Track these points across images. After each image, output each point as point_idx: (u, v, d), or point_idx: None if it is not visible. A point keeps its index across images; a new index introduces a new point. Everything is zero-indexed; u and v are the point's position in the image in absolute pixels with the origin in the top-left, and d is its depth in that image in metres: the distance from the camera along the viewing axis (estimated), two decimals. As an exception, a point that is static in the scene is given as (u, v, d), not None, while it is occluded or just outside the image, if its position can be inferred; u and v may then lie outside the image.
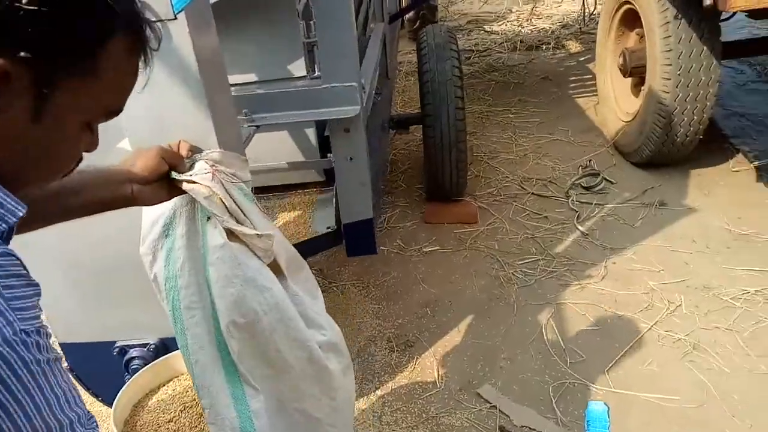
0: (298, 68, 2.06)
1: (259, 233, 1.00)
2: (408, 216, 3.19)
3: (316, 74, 1.99)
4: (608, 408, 1.81)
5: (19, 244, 1.43)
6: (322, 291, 2.68)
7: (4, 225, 0.59)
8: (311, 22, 1.96)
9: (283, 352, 1.05)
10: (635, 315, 2.30)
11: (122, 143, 1.21)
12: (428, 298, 2.55)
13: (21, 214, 0.60)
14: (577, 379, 2.05)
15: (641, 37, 3.11)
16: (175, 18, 1.00)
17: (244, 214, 1.00)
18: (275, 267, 1.09)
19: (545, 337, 2.25)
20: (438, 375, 2.15)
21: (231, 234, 0.99)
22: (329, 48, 1.72)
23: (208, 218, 0.98)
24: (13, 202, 0.60)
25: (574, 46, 5.49)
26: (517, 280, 2.58)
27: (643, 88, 3.14)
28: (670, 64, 2.78)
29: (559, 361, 2.13)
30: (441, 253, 2.85)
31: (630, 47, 3.23)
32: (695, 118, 2.87)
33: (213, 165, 1.02)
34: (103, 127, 1.24)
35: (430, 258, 2.83)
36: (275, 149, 2.23)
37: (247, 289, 0.98)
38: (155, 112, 1.11)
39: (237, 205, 0.99)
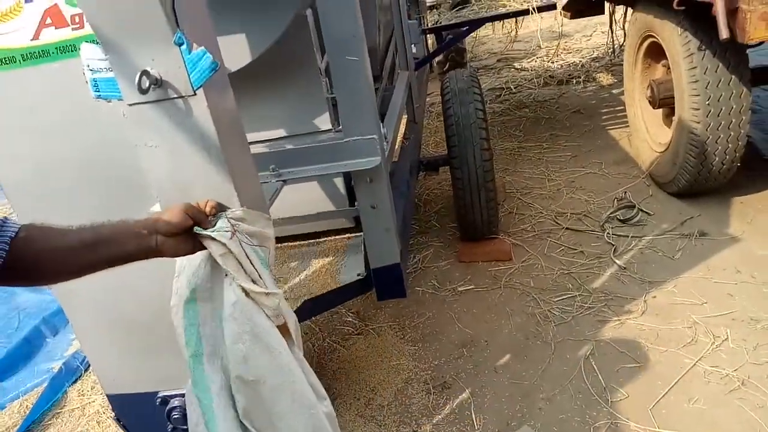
0: (323, 122, 2.17)
1: (267, 291, 1.05)
2: (442, 255, 3.21)
3: (340, 127, 2.09)
4: (652, 450, 1.75)
5: (65, 293, 1.58)
6: (358, 334, 2.74)
7: None
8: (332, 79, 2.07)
9: (288, 417, 1.07)
10: (678, 350, 2.22)
11: (154, 207, 1.31)
12: (464, 338, 2.55)
13: None
14: (619, 419, 1.99)
15: (668, 68, 3.10)
16: (194, 94, 1.10)
17: (259, 275, 1.06)
18: (285, 332, 1.13)
19: (584, 376, 2.20)
20: (475, 417, 2.13)
21: (248, 294, 1.05)
22: (348, 103, 1.82)
23: (226, 275, 1.05)
24: None
25: (605, 78, 5.48)
26: (554, 318, 2.55)
27: (673, 118, 3.10)
28: (698, 95, 2.75)
29: (599, 401, 2.08)
30: (476, 292, 2.85)
31: (657, 79, 3.22)
32: (730, 146, 2.81)
33: (235, 224, 1.09)
34: (135, 191, 1.35)
35: (465, 297, 2.83)
36: (305, 199, 2.32)
37: (255, 347, 1.03)
38: (181, 179, 1.20)
39: (253, 266, 1.06)
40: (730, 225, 2.92)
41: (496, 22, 5.30)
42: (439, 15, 4.42)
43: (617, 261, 2.83)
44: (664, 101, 3.16)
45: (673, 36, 2.86)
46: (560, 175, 3.81)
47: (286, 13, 1.92)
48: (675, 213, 3.11)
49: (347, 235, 2.40)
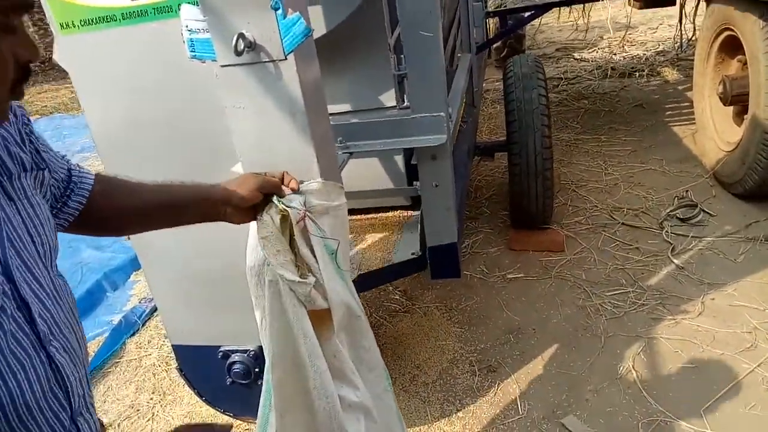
0: (389, 99, 2.18)
1: (298, 280, 1.05)
2: (492, 242, 3.20)
3: (404, 104, 2.09)
4: (703, 450, 1.72)
5: (142, 245, 1.66)
6: (405, 312, 2.76)
7: None
8: (401, 56, 2.07)
9: (308, 397, 1.09)
10: (736, 355, 2.16)
11: (236, 167, 1.36)
12: (512, 325, 2.54)
13: None
14: (669, 417, 1.96)
15: (743, 64, 2.98)
16: (285, 58, 1.13)
17: (316, 261, 1.08)
18: (320, 318, 1.13)
19: (634, 371, 2.18)
20: (520, 402, 2.13)
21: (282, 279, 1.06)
22: (418, 80, 1.82)
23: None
24: None
25: (670, 74, 5.29)
26: (605, 312, 2.51)
27: (745, 116, 2.98)
28: (776, 91, 2.64)
29: (648, 398, 2.05)
30: (525, 281, 2.83)
31: (731, 75, 3.09)
32: (806, 146, 2.69)
33: (309, 206, 1.12)
34: (219, 152, 1.40)
35: (514, 285, 2.82)
36: (365, 175, 2.34)
37: (286, 328, 1.06)
38: (265, 141, 1.24)
39: (314, 256, 1.08)
40: (799, 231, 2.80)
41: (560, 10, 5.17)
42: (503, -1, 4.34)
43: (675, 260, 2.76)
44: (736, 98, 3.04)
45: (754, 29, 2.74)
46: (618, 170, 3.73)
47: (362, -13, 1.94)
48: (739, 215, 3.01)
49: (403, 212, 2.42)
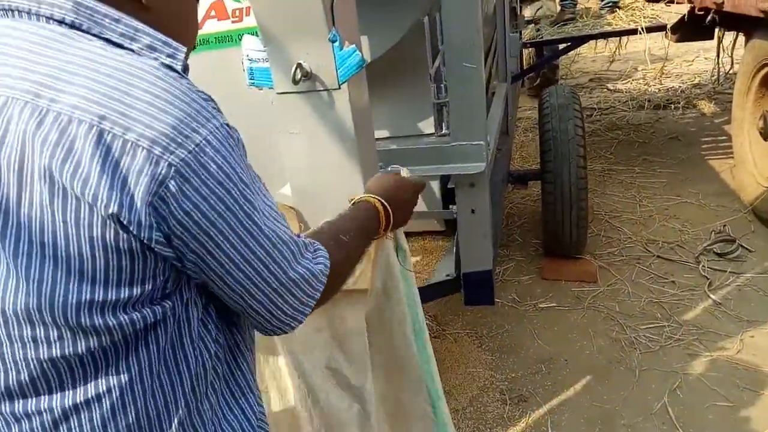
0: (427, 126, 2.23)
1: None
2: (523, 270, 3.19)
3: (443, 132, 2.14)
4: (743, 492, 1.68)
5: None
6: (435, 337, 2.77)
7: (180, 56, 0.70)
8: (441, 85, 2.13)
9: None
10: (777, 395, 2.11)
11: (284, 188, 1.42)
12: (543, 355, 2.52)
13: (185, 49, 0.71)
14: (706, 456, 1.92)
15: (785, 98, 2.95)
16: (339, 88, 1.18)
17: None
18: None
19: (669, 408, 2.13)
20: (552, 434, 2.11)
21: None
22: (460, 109, 1.87)
23: None
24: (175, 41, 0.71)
25: (707, 107, 5.24)
26: (640, 345, 2.48)
27: (787, 151, 2.95)
28: (819, 127, 2.61)
29: (685, 435, 2.01)
30: (557, 310, 2.81)
31: (772, 108, 3.07)
32: None
33: None
34: (266, 175, 1.46)
35: (546, 314, 2.80)
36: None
37: None
38: (315, 165, 1.30)
39: None
40: (842, 270, 2.73)
41: (596, 42, 5.20)
42: (539, 30, 4.39)
43: (712, 295, 2.72)
44: (777, 133, 3.01)
45: (796, 66, 2.72)
46: (652, 202, 3.69)
47: (407, 20, 2.01)
48: (779, 252, 2.95)
49: (438, 238, 2.45)
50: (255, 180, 0.72)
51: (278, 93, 1.23)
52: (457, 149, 1.89)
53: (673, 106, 5.33)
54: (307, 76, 1.18)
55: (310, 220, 1.31)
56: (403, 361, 1.23)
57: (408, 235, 2.55)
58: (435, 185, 2.41)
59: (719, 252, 3.03)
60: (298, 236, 0.80)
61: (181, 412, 0.70)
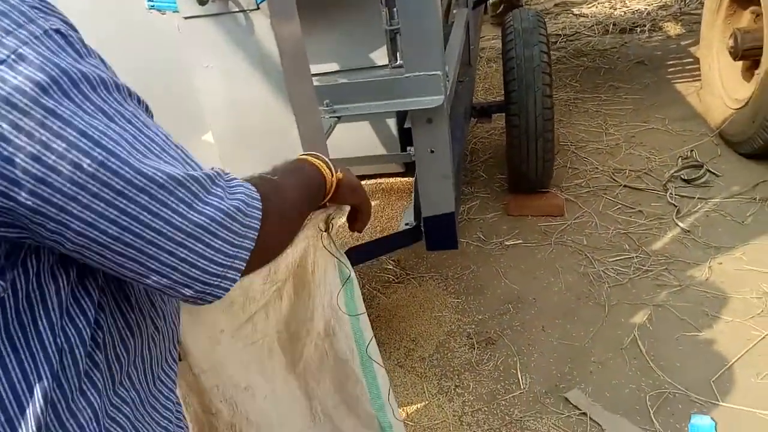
0: (380, 57, 2.02)
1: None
2: (488, 207, 3.08)
3: (397, 63, 1.94)
4: (715, 424, 1.65)
5: None
6: (399, 282, 2.66)
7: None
8: (394, 9, 1.90)
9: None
10: (746, 321, 2.08)
11: (206, 136, 1.22)
12: (511, 294, 2.45)
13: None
14: (677, 389, 1.88)
15: (757, 15, 2.81)
16: (258, 8, 0.97)
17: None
18: None
19: (640, 342, 2.09)
20: (522, 376, 2.05)
21: None
22: (413, 35, 1.66)
23: None
24: None
25: (673, 29, 5.08)
26: (608, 279, 2.42)
27: (757, 71, 2.83)
28: (792, 44, 2.48)
29: (656, 369, 1.97)
30: (524, 247, 2.73)
31: (742, 27, 2.92)
32: (820, 102, 2.55)
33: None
34: (186, 119, 1.24)
35: (513, 252, 2.71)
36: (354, 140, 2.20)
37: None
38: (237, 105, 1.10)
39: None
40: (808, 191, 2.69)
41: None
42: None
43: (680, 223, 2.66)
44: (748, 52, 2.88)
45: (770, -22, 2.56)
46: (619, 130, 3.58)
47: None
48: (746, 175, 2.89)
49: (400, 179, 2.29)
50: (122, 103, 0.54)
51: (185, 18, 1.02)
52: (411, 81, 1.70)
53: (638, 29, 5.15)
54: (217, -6, 0.97)
55: (235, 173, 1.13)
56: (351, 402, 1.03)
57: (364, 177, 2.39)
58: (391, 124, 2.23)
59: (686, 178, 2.96)
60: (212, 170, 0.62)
61: (38, 410, 0.54)
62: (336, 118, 1.74)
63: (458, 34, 2.53)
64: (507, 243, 2.77)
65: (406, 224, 2.01)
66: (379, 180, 2.21)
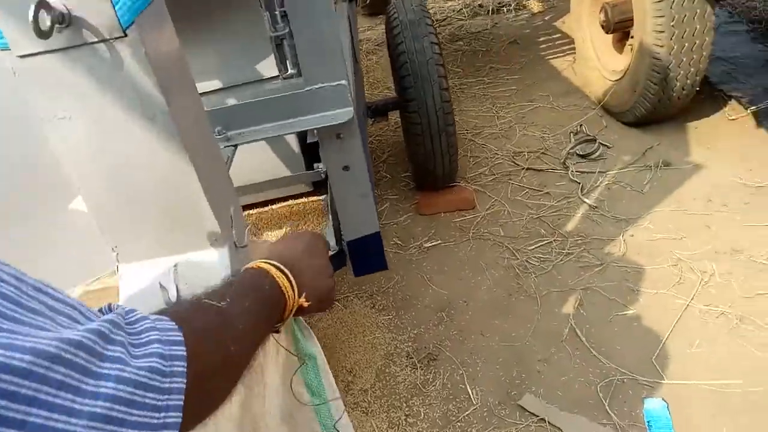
0: (267, 68, 1.77)
1: None
2: (399, 210, 2.95)
3: (288, 73, 1.71)
4: (667, 404, 1.63)
5: None
6: (325, 311, 2.41)
7: None
8: (276, 13, 1.67)
9: None
10: (668, 291, 2.13)
11: (74, 203, 0.93)
12: (441, 301, 2.33)
13: None
14: (624, 374, 1.87)
15: (623, -12, 2.91)
16: (125, 35, 0.71)
17: None
18: None
19: (578, 331, 2.06)
20: (471, 390, 1.94)
21: None
22: (308, 42, 1.44)
23: None
24: None
25: (535, 5, 5.26)
26: (533, 268, 2.38)
27: (629, 43, 2.95)
28: (663, 16, 2.58)
29: (599, 357, 1.95)
30: (444, 247, 2.63)
31: (611, 1, 3.02)
32: (692, 69, 2.70)
33: None
34: (51, 186, 0.94)
35: (434, 253, 2.60)
36: (253, 164, 1.94)
37: None
38: (113, 159, 0.83)
39: None
40: (691, 153, 2.85)
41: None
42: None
43: (586, 200, 2.70)
44: (618, 25, 2.98)
45: (635, -49, 2.65)
46: (509, 112, 3.61)
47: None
48: (634, 143, 3.01)
49: (307, 200, 2.06)
50: None
51: (20, 56, 0.73)
52: (314, 94, 1.48)
53: (505, 9, 5.27)
54: (63, 21, 0.69)
55: (120, 250, 0.86)
56: None
57: (274, 201, 2.13)
58: (292, 140, 1.99)
59: (582, 153, 3.02)
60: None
61: None
62: (232, 147, 1.48)
63: (345, 31, 2.33)
64: (426, 245, 2.65)
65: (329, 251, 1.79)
66: (290, 202, 1.97)
